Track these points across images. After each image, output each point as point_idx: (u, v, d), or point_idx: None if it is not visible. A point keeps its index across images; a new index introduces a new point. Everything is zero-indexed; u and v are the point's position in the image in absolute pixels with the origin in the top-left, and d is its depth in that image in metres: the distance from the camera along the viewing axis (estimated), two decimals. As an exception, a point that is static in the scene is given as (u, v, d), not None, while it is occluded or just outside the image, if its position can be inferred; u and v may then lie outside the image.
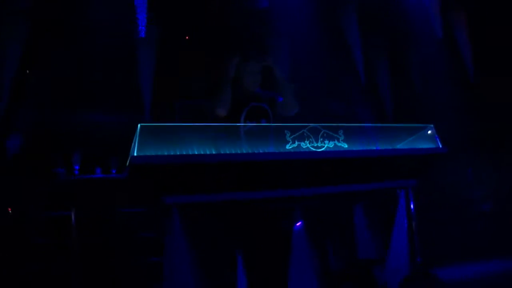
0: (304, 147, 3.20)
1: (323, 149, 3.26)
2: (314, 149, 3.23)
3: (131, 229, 5.15)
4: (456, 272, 5.35)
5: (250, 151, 3.06)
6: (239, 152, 3.03)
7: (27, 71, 5.88)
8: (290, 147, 3.17)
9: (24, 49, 5.40)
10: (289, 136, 3.18)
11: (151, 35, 5.68)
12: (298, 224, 3.67)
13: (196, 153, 2.92)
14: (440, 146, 3.77)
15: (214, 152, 2.96)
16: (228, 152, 3.00)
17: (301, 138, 3.21)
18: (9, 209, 5.09)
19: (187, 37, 6.59)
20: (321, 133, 3.27)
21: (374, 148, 3.52)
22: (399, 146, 3.70)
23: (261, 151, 3.10)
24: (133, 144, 2.83)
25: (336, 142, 3.31)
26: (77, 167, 5.14)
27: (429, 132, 3.81)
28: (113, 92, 5.78)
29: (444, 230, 6.37)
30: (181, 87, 6.51)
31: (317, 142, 3.25)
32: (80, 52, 5.59)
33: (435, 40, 6.59)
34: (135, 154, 2.78)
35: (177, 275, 3.03)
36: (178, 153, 2.87)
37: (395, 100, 7.30)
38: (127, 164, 2.85)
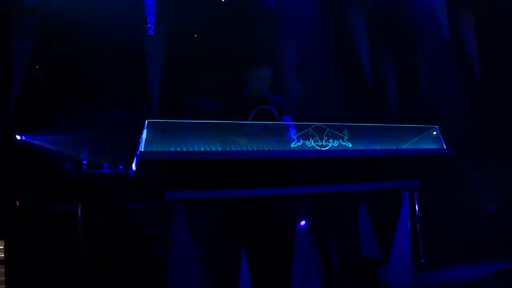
0: (308, 145, 3.23)
1: (327, 148, 3.28)
2: (318, 148, 3.26)
3: (137, 225, 5.18)
4: (461, 273, 5.36)
5: (255, 149, 3.09)
6: (244, 149, 3.06)
7: (37, 66, 5.92)
8: (295, 146, 3.20)
9: (33, 46, 5.43)
10: (294, 135, 3.21)
11: (159, 33, 5.70)
12: (301, 222, 3.69)
13: (202, 150, 2.95)
14: (444, 147, 3.78)
15: (220, 149, 2.99)
16: (233, 149, 3.03)
17: (306, 137, 3.23)
18: (17, 202, 5.13)
19: (194, 35, 6.61)
20: (326, 132, 3.29)
21: (378, 147, 3.53)
22: (404, 146, 3.72)
23: (266, 149, 3.13)
24: (140, 139, 2.87)
25: (340, 141, 3.33)
26: (84, 162, 5.17)
27: (434, 133, 3.83)
28: (122, 89, 5.82)
29: (449, 231, 6.37)
30: (189, 85, 6.54)
31: (321, 141, 3.27)
32: (89, 48, 5.62)
33: (441, 41, 6.57)
34: (142, 149, 2.82)
35: (182, 270, 3.06)
36: (184, 150, 2.91)
37: (401, 100, 7.29)
38: (135, 159, 2.89)
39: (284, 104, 4.15)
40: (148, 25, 5.10)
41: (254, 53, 4.24)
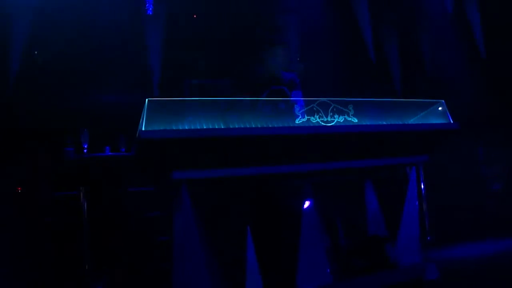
0: (313, 121, 3.17)
1: (332, 123, 3.22)
2: (323, 124, 3.20)
3: (140, 208, 5.15)
4: (466, 250, 5.33)
5: (259, 126, 3.03)
6: (248, 126, 3.00)
7: (36, 52, 5.86)
8: (300, 122, 3.14)
9: (32, 28, 5.38)
10: (299, 111, 3.15)
11: (159, 13, 5.65)
12: (307, 201, 3.64)
13: (204, 127, 2.89)
14: (452, 122, 3.72)
15: (222, 127, 2.93)
16: (237, 126, 2.97)
17: (311, 113, 3.17)
18: (19, 188, 5.10)
19: (194, 16, 6.53)
20: (331, 108, 3.23)
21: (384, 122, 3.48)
22: (410, 121, 3.66)
23: (270, 126, 3.07)
24: (141, 119, 2.81)
25: (346, 116, 3.27)
26: (86, 146, 5.11)
27: (440, 108, 3.77)
28: (122, 70, 5.75)
29: (455, 209, 6.34)
30: (189, 66, 6.47)
31: (326, 116, 3.21)
32: (88, 30, 5.56)
33: (445, 15, 6.49)
34: (143, 128, 2.76)
35: (187, 252, 3.02)
36: (186, 128, 2.85)
37: (405, 76, 7.22)
38: (136, 138, 2.83)
39: (295, 80, 4.10)
40: (147, 5, 5.04)
41: (266, 33, 4.21)
